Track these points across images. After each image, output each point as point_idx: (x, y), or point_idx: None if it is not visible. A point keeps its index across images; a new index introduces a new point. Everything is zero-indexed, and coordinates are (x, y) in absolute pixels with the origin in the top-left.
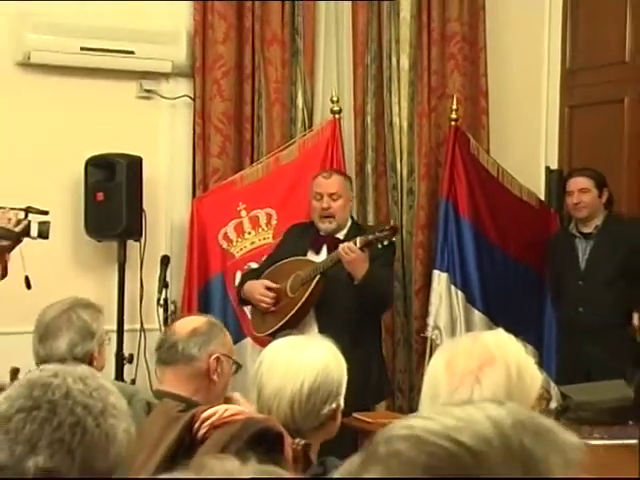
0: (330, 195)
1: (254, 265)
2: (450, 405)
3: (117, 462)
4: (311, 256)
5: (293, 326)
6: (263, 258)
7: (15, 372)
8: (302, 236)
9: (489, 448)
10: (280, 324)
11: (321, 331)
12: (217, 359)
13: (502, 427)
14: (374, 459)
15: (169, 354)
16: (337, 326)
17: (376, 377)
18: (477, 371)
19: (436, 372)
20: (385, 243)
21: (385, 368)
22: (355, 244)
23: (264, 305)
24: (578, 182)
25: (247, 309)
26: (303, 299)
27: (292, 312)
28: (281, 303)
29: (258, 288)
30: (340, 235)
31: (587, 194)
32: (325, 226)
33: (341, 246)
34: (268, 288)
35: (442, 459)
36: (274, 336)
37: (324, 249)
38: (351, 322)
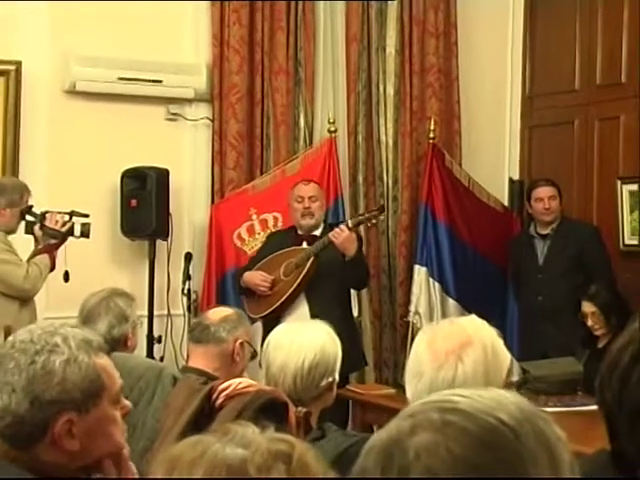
0: (310, 198)
1: None
2: (460, 388)
3: (64, 389)
4: (297, 247)
5: (288, 306)
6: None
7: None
8: (283, 239)
9: (521, 428)
10: (277, 304)
11: (310, 309)
12: (241, 344)
13: (525, 411)
14: (424, 424)
15: (202, 335)
16: (324, 302)
17: (354, 349)
18: (459, 350)
19: (419, 352)
20: (374, 221)
21: (361, 342)
22: (347, 225)
23: (262, 289)
24: (547, 190)
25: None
26: (299, 280)
27: (288, 293)
28: (276, 288)
29: (257, 275)
30: (317, 232)
31: (555, 201)
32: (306, 222)
33: (332, 232)
34: (263, 278)
35: (490, 431)
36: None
37: (304, 244)
38: (335, 300)
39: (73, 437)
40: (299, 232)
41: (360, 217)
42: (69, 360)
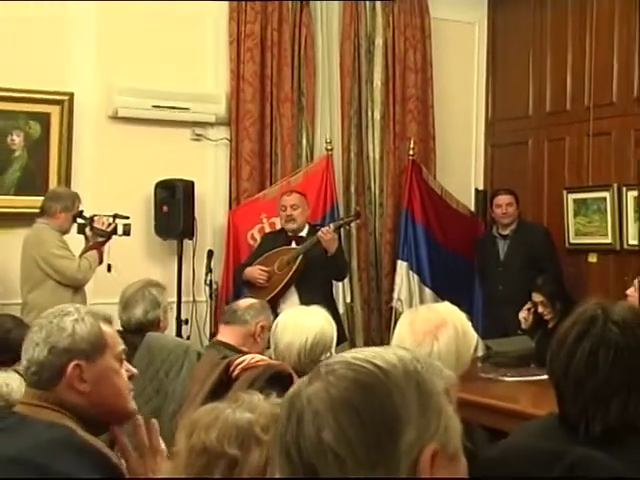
0: (291, 206)
1: None
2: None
3: (74, 340)
4: (289, 246)
5: (282, 295)
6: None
7: None
8: (275, 238)
9: (393, 369)
10: (273, 294)
11: (300, 297)
12: (262, 327)
13: (403, 358)
14: (317, 376)
15: (231, 317)
16: (311, 291)
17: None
18: (435, 330)
19: (402, 332)
20: (352, 225)
21: (340, 322)
22: (330, 228)
23: (260, 281)
24: (506, 198)
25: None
26: (290, 274)
27: (282, 284)
28: (271, 280)
29: (256, 270)
30: (303, 234)
31: (512, 207)
32: (289, 226)
33: (319, 232)
34: (261, 270)
35: (364, 374)
36: None
37: (293, 243)
38: (319, 285)
39: (84, 381)
40: (289, 234)
41: (340, 221)
42: (78, 319)
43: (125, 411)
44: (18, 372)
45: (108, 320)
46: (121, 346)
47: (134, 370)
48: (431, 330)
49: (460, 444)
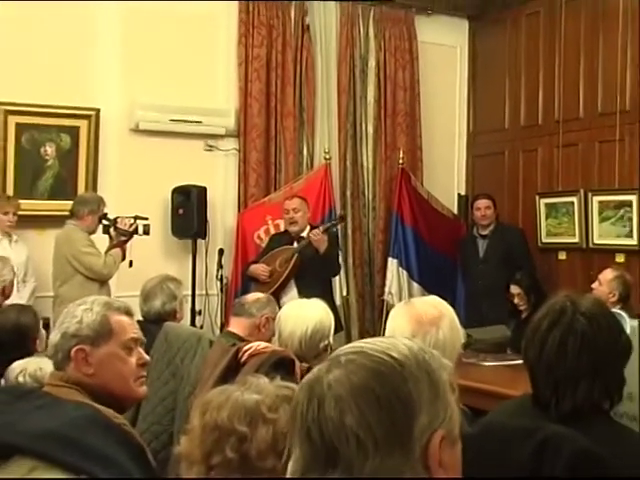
0: (293, 209)
1: None
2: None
3: (80, 327)
4: (287, 246)
5: (282, 289)
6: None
7: None
8: (281, 239)
9: (407, 360)
10: (274, 288)
11: (298, 291)
12: (267, 319)
13: (413, 349)
14: (336, 364)
15: (239, 309)
16: (308, 286)
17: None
18: (437, 321)
19: (401, 323)
20: (338, 227)
21: (337, 313)
22: (320, 229)
23: (263, 277)
24: (484, 202)
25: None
26: (287, 270)
27: (281, 279)
28: (273, 276)
29: (259, 267)
30: (304, 234)
31: (490, 210)
32: (292, 228)
33: (310, 234)
34: (264, 268)
35: (381, 364)
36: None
37: (295, 243)
38: (316, 281)
39: (88, 364)
40: (292, 235)
41: (328, 224)
42: (87, 309)
43: (129, 395)
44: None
45: (126, 311)
46: (131, 335)
47: (146, 358)
48: (434, 320)
49: (458, 431)
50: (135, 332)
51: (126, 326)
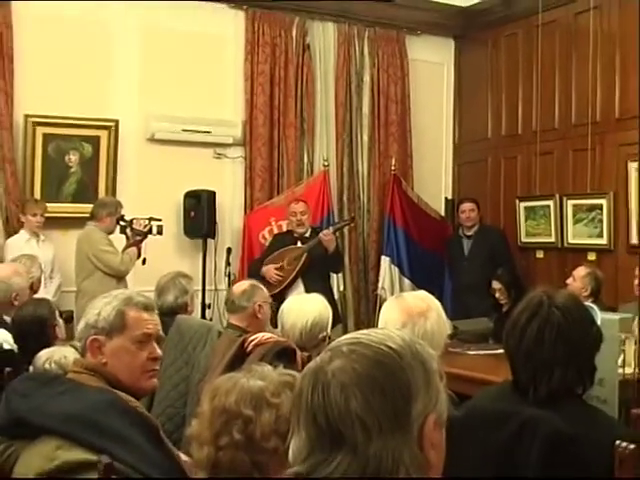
0: (300, 212)
1: None
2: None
3: (97, 319)
4: (295, 246)
5: (291, 285)
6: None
7: None
8: (284, 238)
9: (404, 350)
10: (284, 285)
11: (305, 286)
12: (259, 305)
13: (405, 339)
14: (338, 354)
15: (231, 307)
16: (313, 282)
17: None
18: (425, 313)
19: (393, 315)
20: (347, 228)
21: (336, 307)
22: (330, 230)
23: (273, 279)
24: (468, 206)
25: None
26: (297, 268)
27: (292, 276)
28: (282, 273)
29: (271, 270)
30: (307, 235)
31: (473, 212)
32: (299, 229)
33: (321, 234)
34: (277, 273)
35: (381, 354)
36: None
37: (299, 243)
38: (320, 277)
39: (102, 353)
40: (295, 235)
41: (338, 225)
42: (107, 303)
43: (136, 386)
44: (73, 346)
45: (145, 307)
46: (144, 330)
47: (158, 353)
48: (422, 312)
49: (446, 414)
50: (149, 327)
51: (141, 321)
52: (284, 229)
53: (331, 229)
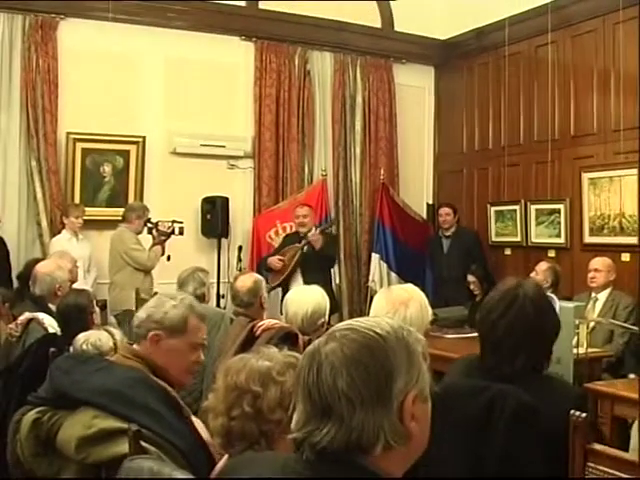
0: (303, 216)
1: None
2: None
3: (162, 318)
4: (297, 245)
5: (290, 277)
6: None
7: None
8: (292, 238)
9: (389, 335)
10: (284, 276)
11: (304, 279)
12: (262, 297)
13: (393, 326)
14: (332, 338)
15: (240, 303)
16: (312, 274)
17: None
18: (407, 301)
19: (381, 304)
20: (330, 228)
21: (333, 296)
22: (315, 232)
23: (277, 266)
24: (445, 210)
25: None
26: (293, 262)
27: (289, 269)
28: (284, 266)
29: (274, 258)
30: (310, 234)
31: (449, 216)
32: (302, 229)
33: (308, 235)
34: (279, 259)
35: (368, 338)
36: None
37: (303, 241)
38: (317, 271)
39: (159, 347)
40: (300, 234)
41: (322, 227)
42: (174, 305)
43: (177, 380)
44: (107, 330)
45: (202, 317)
46: (198, 339)
47: (202, 359)
48: (403, 301)
49: (429, 391)
50: (203, 338)
51: (198, 330)
52: (288, 230)
53: (318, 230)
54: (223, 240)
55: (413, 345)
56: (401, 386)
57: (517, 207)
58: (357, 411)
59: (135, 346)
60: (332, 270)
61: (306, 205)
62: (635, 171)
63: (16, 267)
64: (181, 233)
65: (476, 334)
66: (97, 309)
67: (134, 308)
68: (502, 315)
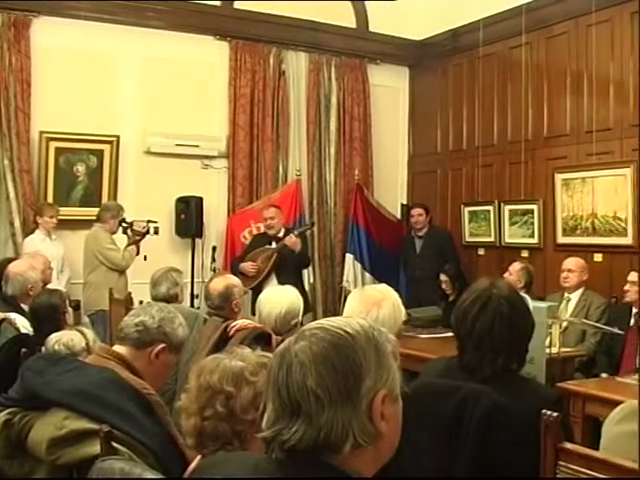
0: (270, 217)
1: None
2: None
3: (170, 333)
4: (268, 246)
5: (265, 280)
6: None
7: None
8: (261, 239)
9: (358, 334)
10: (259, 280)
11: (278, 280)
12: (236, 303)
13: (363, 326)
14: (302, 337)
15: (212, 306)
16: (286, 276)
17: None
18: (380, 302)
19: (354, 304)
20: (308, 232)
21: (307, 297)
22: (295, 234)
23: (251, 272)
24: (418, 211)
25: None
26: (269, 265)
27: (265, 272)
28: (258, 270)
29: (248, 265)
30: (280, 235)
31: (422, 216)
32: (270, 232)
33: (285, 239)
34: (252, 266)
35: (337, 337)
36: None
37: (273, 243)
38: (291, 273)
39: (159, 360)
40: (270, 235)
41: (301, 229)
42: (180, 323)
43: (156, 388)
44: (79, 330)
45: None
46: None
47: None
48: (376, 302)
49: (399, 391)
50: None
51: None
52: (262, 230)
53: (295, 233)
54: (197, 240)
55: (383, 345)
56: (370, 385)
57: (491, 207)
58: (325, 409)
59: (118, 347)
60: (304, 270)
61: (273, 206)
62: (607, 172)
63: None
64: (156, 233)
65: (450, 334)
66: (70, 309)
67: (107, 308)
68: (479, 315)
